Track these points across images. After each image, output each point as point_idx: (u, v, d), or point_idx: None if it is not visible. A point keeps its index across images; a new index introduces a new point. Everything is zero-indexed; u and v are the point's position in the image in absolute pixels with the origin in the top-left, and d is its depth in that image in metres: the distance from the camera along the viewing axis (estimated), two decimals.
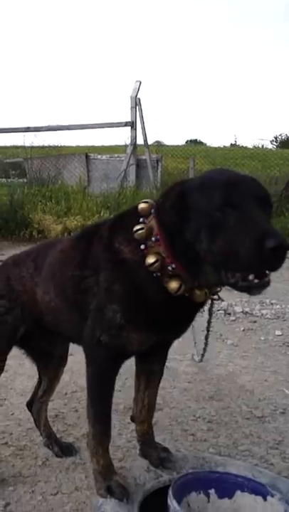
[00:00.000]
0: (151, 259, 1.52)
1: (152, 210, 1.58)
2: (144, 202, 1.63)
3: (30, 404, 2.36)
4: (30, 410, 2.37)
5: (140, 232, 1.55)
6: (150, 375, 1.95)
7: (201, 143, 27.92)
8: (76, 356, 2.53)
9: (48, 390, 2.33)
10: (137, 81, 9.99)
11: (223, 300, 1.75)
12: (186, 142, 27.65)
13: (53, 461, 2.24)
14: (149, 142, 10.18)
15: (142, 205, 1.62)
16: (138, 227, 1.57)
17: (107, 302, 1.64)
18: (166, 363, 3.21)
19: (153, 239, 1.53)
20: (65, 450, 2.29)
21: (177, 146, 17.64)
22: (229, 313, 4.49)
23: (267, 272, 1.33)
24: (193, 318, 1.73)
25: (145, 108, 9.96)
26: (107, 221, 1.83)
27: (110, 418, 1.79)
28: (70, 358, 2.40)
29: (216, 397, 2.94)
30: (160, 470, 1.81)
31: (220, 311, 4.53)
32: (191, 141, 28.82)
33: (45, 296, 1.90)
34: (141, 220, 1.59)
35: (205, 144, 26.32)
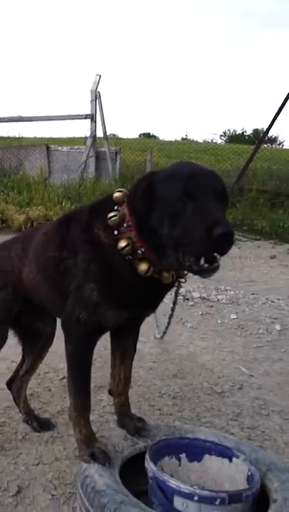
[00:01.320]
0: (122, 244, 1.64)
1: (125, 199, 1.70)
2: (119, 191, 1.75)
3: (10, 383, 2.44)
4: (9, 389, 2.45)
5: (113, 218, 1.67)
6: (124, 351, 2.06)
7: (153, 136, 28.01)
8: None
9: (30, 369, 2.42)
10: (97, 75, 9.99)
11: (184, 282, 1.85)
12: (140, 136, 27.68)
13: (32, 436, 2.34)
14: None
15: (116, 194, 1.74)
16: (112, 214, 1.68)
17: (85, 281, 1.75)
18: None
19: (125, 225, 1.65)
20: (44, 425, 2.39)
21: (132, 140, 17.71)
22: (188, 299, 4.66)
23: (216, 256, 1.46)
24: (162, 299, 1.84)
25: (105, 101, 9.99)
26: (84, 208, 1.94)
27: (89, 391, 1.90)
28: None
29: (179, 375, 3.10)
30: (136, 438, 1.92)
31: (179, 297, 4.68)
32: (144, 134, 28.86)
33: (29, 275, 2.01)
34: (115, 207, 1.71)
35: (158, 138, 26.42)
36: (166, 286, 1.75)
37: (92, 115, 9.96)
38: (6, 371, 2.97)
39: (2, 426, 2.41)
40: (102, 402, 2.72)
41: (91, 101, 9.93)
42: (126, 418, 2.00)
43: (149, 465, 1.70)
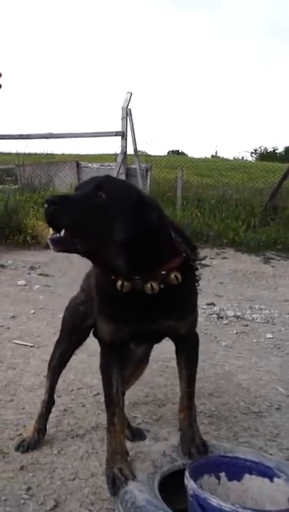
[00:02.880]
0: None
1: None
2: None
3: None
4: None
5: None
6: (180, 371, 2.07)
7: (182, 153, 28.16)
8: (80, 355, 2.67)
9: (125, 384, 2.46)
10: (128, 92, 10.14)
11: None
12: (168, 153, 27.86)
13: (68, 451, 2.36)
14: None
15: None
16: None
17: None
18: (167, 363, 3.37)
19: None
20: (136, 435, 2.47)
21: (162, 157, 17.83)
22: (222, 317, 4.65)
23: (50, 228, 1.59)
24: (155, 310, 1.80)
25: (135, 119, 10.12)
26: None
27: (114, 406, 1.93)
28: (74, 357, 2.53)
29: (214, 393, 3.09)
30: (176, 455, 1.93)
31: (213, 315, 4.69)
32: (173, 151, 29.04)
33: None
34: None
35: (187, 155, 26.55)
36: (140, 296, 1.74)
37: (123, 132, 10.09)
38: (37, 386, 3.03)
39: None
40: (136, 419, 2.74)
41: (122, 118, 10.06)
42: (184, 437, 2.00)
43: (189, 482, 1.70)
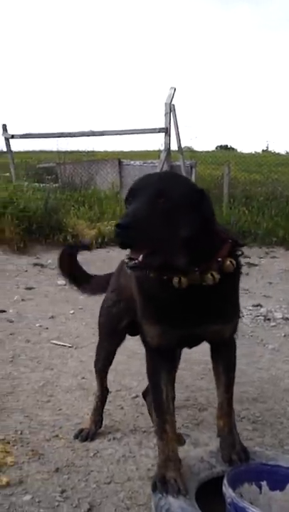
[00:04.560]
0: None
1: None
2: None
3: (144, 394, 2.62)
4: (144, 399, 2.62)
5: None
6: (217, 377, 2.11)
7: (231, 149, 27.79)
8: (119, 357, 2.67)
9: None
10: (171, 88, 10.13)
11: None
12: (216, 148, 27.55)
13: (104, 454, 2.36)
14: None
15: None
16: None
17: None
18: (209, 366, 3.31)
19: None
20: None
21: (208, 152, 17.69)
22: (269, 319, 4.56)
23: (131, 256, 1.56)
24: (202, 311, 1.80)
25: (179, 114, 10.09)
26: None
27: (165, 413, 1.91)
28: (114, 359, 2.56)
29: (259, 399, 3.03)
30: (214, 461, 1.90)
31: (259, 317, 4.61)
32: (221, 146, 28.70)
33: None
34: None
35: (236, 150, 26.19)
36: (194, 293, 1.73)
37: (167, 128, 10.08)
38: (75, 387, 3.05)
39: (73, 442, 2.46)
40: (176, 424, 2.71)
41: (165, 114, 10.06)
42: (223, 443, 1.98)
43: (228, 491, 1.67)
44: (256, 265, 7.12)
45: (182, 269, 1.67)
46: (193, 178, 10.60)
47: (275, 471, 1.86)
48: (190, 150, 15.06)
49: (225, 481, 1.71)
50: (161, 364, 1.92)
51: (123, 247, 1.56)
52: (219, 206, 9.44)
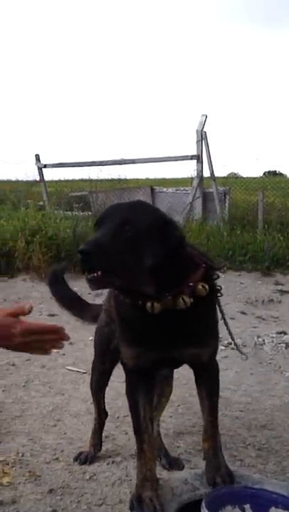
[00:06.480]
0: None
1: None
2: None
3: None
4: None
5: None
6: (201, 400, 2.12)
7: (280, 174, 27.47)
8: None
9: (157, 406, 2.55)
10: (202, 115, 10.31)
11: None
12: (264, 174, 27.33)
13: (100, 477, 2.43)
14: (224, 174, 10.36)
15: None
16: None
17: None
18: (220, 392, 3.34)
19: None
20: (173, 463, 2.52)
21: (253, 178, 17.58)
22: None
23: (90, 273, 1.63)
24: (178, 334, 1.86)
25: (211, 141, 10.24)
26: None
27: (143, 433, 1.98)
28: (122, 385, 2.60)
29: (268, 426, 3.03)
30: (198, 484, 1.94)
31: (281, 344, 4.59)
32: (269, 172, 28.44)
33: None
34: None
35: (285, 176, 25.90)
36: (168, 317, 1.79)
37: (198, 156, 10.24)
38: (84, 412, 3.13)
39: (72, 465, 2.53)
40: (179, 449, 2.76)
41: (197, 141, 10.23)
42: (208, 466, 2.02)
43: (204, 511, 1.71)
44: None
45: (152, 296, 1.75)
46: (226, 205, 10.67)
47: (259, 495, 1.87)
48: (235, 176, 15.10)
49: (203, 503, 1.74)
50: (139, 385, 1.99)
51: (86, 272, 1.64)
52: (254, 233, 9.43)
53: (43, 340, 1.72)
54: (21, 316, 1.69)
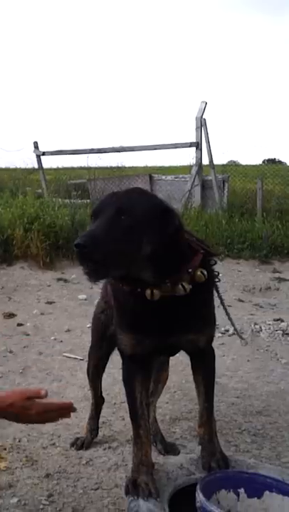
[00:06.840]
0: None
1: None
2: None
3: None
4: None
5: None
6: (197, 385, 2.13)
7: (279, 162, 27.38)
8: None
9: (154, 391, 2.58)
10: (202, 102, 10.25)
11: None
12: (263, 162, 27.25)
13: (96, 462, 2.46)
14: (223, 162, 10.31)
15: None
16: None
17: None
18: (217, 379, 3.38)
19: None
20: (169, 449, 2.56)
21: (252, 166, 17.52)
22: (287, 334, 4.56)
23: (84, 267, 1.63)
24: (176, 321, 1.87)
25: (211, 128, 10.19)
26: None
27: (139, 418, 2.00)
28: (119, 371, 2.63)
29: (263, 412, 3.06)
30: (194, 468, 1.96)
31: (278, 331, 4.61)
32: (268, 160, 28.35)
33: None
34: None
35: (284, 164, 25.82)
36: (167, 304, 1.80)
37: (198, 143, 10.20)
38: (81, 399, 3.15)
39: (68, 450, 2.56)
40: (175, 435, 2.79)
41: (196, 128, 10.18)
42: (204, 451, 2.04)
43: (198, 495, 1.73)
44: (288, 280, 7.08)
45: (151, 283, 1.75)
46: (225, 193, 10.65)
47: (253, 479, 1.90)
48: (234, 164, 15.05)
49: (198, 487, 1.77)
50: (136, 372, 2.00)
51: (83, 265, 1.63)
52: (252, 220, 9.44)
53: (54, 415, 1.94)
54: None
